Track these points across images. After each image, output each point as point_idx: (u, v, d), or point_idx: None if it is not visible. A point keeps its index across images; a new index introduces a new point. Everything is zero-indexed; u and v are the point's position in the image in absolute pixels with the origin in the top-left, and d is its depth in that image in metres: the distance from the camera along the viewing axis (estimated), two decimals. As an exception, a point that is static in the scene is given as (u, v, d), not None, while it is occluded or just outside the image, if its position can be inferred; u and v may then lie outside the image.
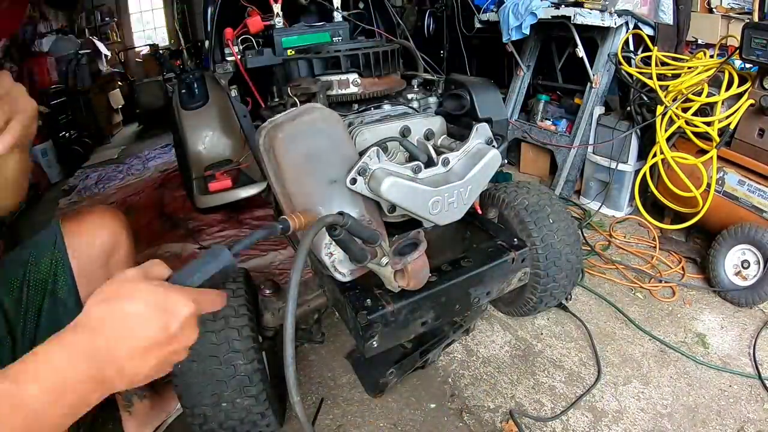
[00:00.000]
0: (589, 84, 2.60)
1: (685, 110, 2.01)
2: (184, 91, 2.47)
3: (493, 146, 1.18)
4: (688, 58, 2.21)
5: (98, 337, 0.49)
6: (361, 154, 1.03)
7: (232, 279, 1.23)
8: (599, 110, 2.58)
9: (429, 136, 1.26)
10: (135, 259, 1.16)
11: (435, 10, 3.64)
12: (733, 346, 1.63)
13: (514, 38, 2.65)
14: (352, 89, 1.31)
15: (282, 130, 1.02)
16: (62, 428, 0.48)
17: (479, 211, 1.53)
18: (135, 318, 0.50)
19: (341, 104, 1.34)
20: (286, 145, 1.01)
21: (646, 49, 2.38)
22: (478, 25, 3.08)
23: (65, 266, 1.00)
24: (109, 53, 6.01)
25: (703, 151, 2.01)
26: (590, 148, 2.61)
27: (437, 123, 1.29)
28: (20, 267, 0.97)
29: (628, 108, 2.36)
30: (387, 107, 1.36)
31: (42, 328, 0.96)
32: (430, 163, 1.11)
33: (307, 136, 1.02)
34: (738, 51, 1.84)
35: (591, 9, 2.35)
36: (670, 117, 2.08)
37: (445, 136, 1.27)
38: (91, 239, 1.05)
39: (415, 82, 1.49)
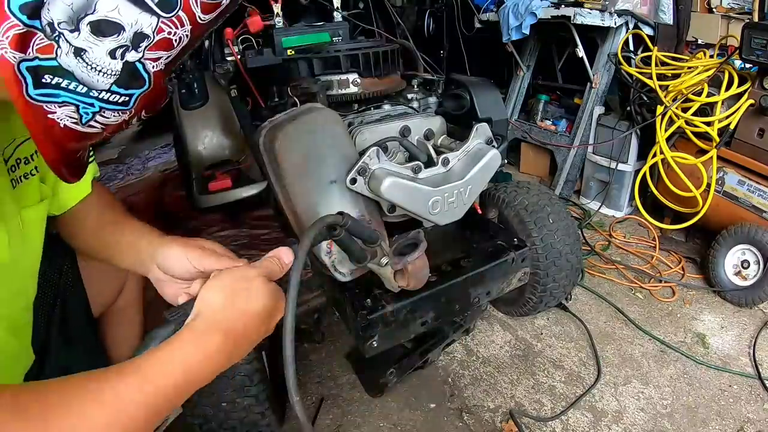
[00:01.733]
0: (589, 84, 2.60)
1: (685, 110, 2.01)
2: (183, 91, 2.46)
3: (493, 146, 1.18)
4: (688, 58, 2.21)
5: (229, 340, 0.58)
6: (361, 154, 1.03)
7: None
8: (599, 110, 2.58)
9: (429, 136, 1.26)
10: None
11: (435, 10, 3.63)
12: (733, 346, 1.63)
13: (514, 38, 2.65)
14: (352, 89, 1.31)
15: (281, 129, 1.02)
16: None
17: (479, 211, 1.53)
18: (256, 319, 0.62)
19: (341, 104, 1.34)
20: (285, 145, 1.01)
21: (646, 49, 2.38)
22: (478, 25, 3.08)
23: (74, 270, 1.01)
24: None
25: (703, 151, 2.01)
26: (590, 148, 2.60)
27: (437, 123, 1.29)
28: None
29: (628, 108, 2.36)
30: (387, 107, 1.36)
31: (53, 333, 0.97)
32: (430, 163, 1.11)
33: (306, 136, 1.02)
34: (738, 51, 1.84)
35: (591, 9, 2.35)
36: (670, 117, 2.08)
37: (445, 136, 1.27)
38: None
39: (415, 82, 1.49)
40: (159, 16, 0.51)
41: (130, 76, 0.53)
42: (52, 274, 0.96)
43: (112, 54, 0.50)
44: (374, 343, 1.09)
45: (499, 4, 2.79)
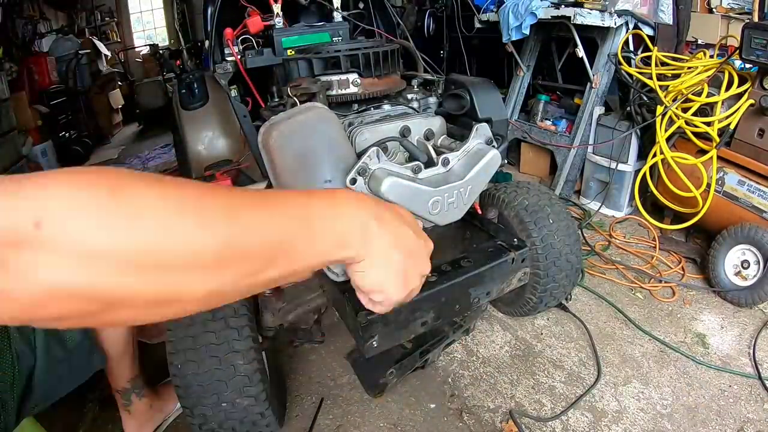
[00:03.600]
0: (589, 84, 2.60)
1: (685, 110, 2.01)
2: (184, 91, 2.47)
3: (493, 146, 1.18)
4: (688, 58, 2.21)
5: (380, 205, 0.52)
6: (361, 154, 1.03)
7: None
8: (599, 110, 2.58)
9: (429, 136, 1.26)
10: None
11: (435, 10, 3.64)
12: (733, 346, 1.63)
13: (514, 38, 2.65)
14: (352, 89, 1.31)
15: (277, 128, 1.02)
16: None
17: (479, 211, 1.53)
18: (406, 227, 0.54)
19: (341, 104, 1.34)
20: (280, 144, 1.01)
21: (646, 49, 2.38)
22: (478, 25, 3.08)
23: None
24: (109, 53, 6.00)
25: (703, 151, 2.01)
26: (590, 148, 2.61)
27: (437, 123, 1.29)
28: None
29: (628, 108, 2.36)
30: (387, 107, 1.36)
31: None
32: (430, 163, 1.11)
33: (300, 135, 1.02)
34: (738, 51, 1.84)
35: (591, 9, 2.35)
36: (670, 117, 2.08)
37: (445, 136, 1.27)
38: None
39: (415, 82, 1.49)
40: None
41: None
42: None
43: None
44: (374, 343, 1.08)
45: (499, 4, 2.79)
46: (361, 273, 0.51)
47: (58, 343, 1.01)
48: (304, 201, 0.45)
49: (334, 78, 1.31)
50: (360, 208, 0.49)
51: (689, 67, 2.07)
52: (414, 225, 0.56)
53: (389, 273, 0.52)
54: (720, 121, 1.91)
